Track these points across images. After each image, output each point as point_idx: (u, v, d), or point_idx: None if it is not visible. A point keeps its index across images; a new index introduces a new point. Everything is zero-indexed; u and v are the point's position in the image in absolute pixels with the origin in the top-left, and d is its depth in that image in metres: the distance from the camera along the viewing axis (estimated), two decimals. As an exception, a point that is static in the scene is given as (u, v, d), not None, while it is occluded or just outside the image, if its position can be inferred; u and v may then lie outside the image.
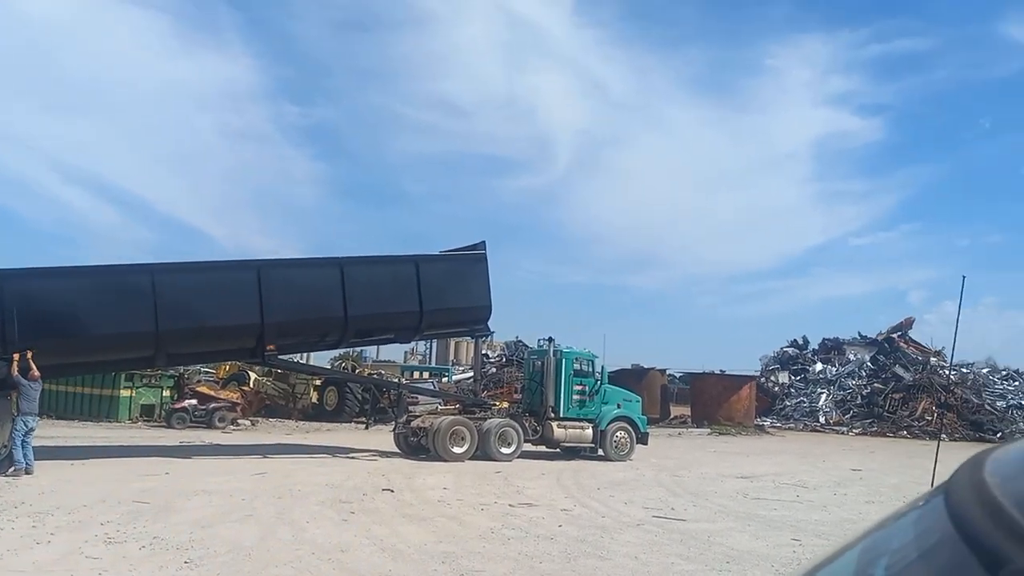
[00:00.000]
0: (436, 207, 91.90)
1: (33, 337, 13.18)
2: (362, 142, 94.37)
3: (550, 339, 18.67)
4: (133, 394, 23.40)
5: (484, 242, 18.27)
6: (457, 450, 16.49)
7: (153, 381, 23.74)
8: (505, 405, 19.72)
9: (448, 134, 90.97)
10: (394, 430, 17.70)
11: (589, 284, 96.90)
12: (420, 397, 24.02)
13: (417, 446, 17.10)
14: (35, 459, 12.66)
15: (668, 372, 39.80)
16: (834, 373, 40.35)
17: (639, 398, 19.30)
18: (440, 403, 21.42)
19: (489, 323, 18.82)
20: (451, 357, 51.68)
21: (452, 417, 17.22)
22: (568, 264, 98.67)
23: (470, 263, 18.11)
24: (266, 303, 15.37)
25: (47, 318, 13.64)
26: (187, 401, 22.98)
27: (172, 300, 14.68)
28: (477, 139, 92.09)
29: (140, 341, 14.71)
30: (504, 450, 16.90)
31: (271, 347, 15.88)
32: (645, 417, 19.07)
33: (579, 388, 18.07)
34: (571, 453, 18.33)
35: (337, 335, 17.04)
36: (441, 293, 17.33)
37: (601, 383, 18.32)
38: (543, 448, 18.18)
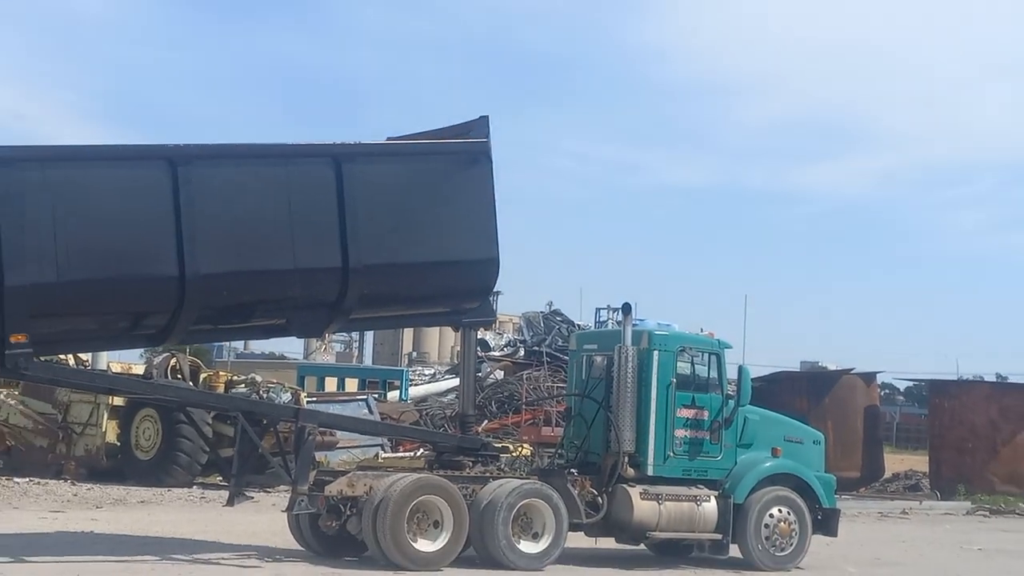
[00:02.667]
0: (371, 19, 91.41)
1: None
2: None
3: (625, 308, 19.09)
4: None
5: (485, 120, 18.55)
6: (425, 547, 16.77)
7: None
8: (528, 451, 19.73)
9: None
10: (291, 508, 17.88)
11: (706, 188, 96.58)
12: (341, 433, 24.43)
13: (338, 536, 17.34)
14: None
15: (881, 379, 39.77)
16: None
17: (820, 436, 19.76)
18: (384, 445, 21.51)
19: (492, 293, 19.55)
20: (405, 349, 51.91)
21: (414, 477, 17.31)
22: (659, 145, 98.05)
23: (454, 166, 18.56)
24: (6, 244, 15.58)
25: None
26: None
27: None
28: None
29: None
30: (526, 546, 17.18)
31: (19, 338, 16.05)
32: (831, 477, 19.53)
33: (689, 414, 18.49)
34: (671, 552, 18.98)
35: (164, 317, 17.28)
36: (391, 232, 17.83)
37: (738, 404, 18.78)
38: (610, 542, 18.59)
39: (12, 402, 27.95)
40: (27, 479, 26.49)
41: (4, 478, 26.07)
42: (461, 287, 18.70)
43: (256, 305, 18.14)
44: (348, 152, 17.89)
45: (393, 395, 37.44)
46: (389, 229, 17.80)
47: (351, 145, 18.35)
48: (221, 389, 28.32)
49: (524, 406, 33.58)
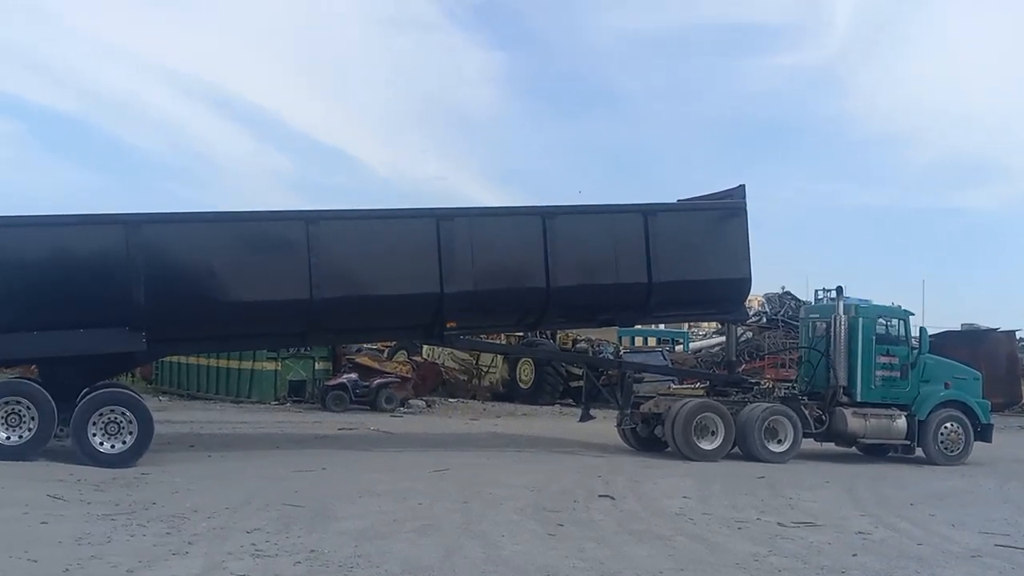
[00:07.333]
0: (657, 108, 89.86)
1: (162, 301, 14.20)
2: (552, 22, 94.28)
3: (838, 290, 18.60)
4: (279, 368, 24.82)
5: (743, 187, 18.04)
6: (705, 445, 16.69)
7: (303, 352, 24.82)
8: (770, 385, 19.33)
9: (671, 2, 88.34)
10: (619, 423, 18.13)
11: (892, 207, 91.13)
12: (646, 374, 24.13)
13: (649, 438, 17.64)
14: (164, 448, 13.72)
15: (1019, 335, 37.29)
16: None
17: (978, 375, 18.80)
18: (674, 381, 21.26)
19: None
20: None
21: (697, 401, 17.25)
22: (856, 179, 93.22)
23: (722, 217, 18.00)
24: (446, 267, 15.85)
25: (177, 279, 14.67)
26: (346, 376, 24.16)
27: (331, 261, 15.31)
28: (712, 3, 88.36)
29: (289, 313, 15.44)
30: (773, 447, 16.90)
31: (451, 324, 16.51)
32: (987, 402, 18.57)
33: (885, 360, 17.81)
34: (873, 453, 18.35)
35: (536, 314, 17.51)
36: (679, 259, 17.36)
37: (919, 353, 18.03)
38: (830, 446, 18.12)
39: (447, 354, 28.57)
40: (455, 399, 27.25)
41: (442, 399, 26.79)
42: (724, 296, 18.06)
43: (594, 307, 17.91)
44: (652, 208, 17.66)
45: (679, 348, 36.49)
46: (680, 256, 17.32)
47: (655, 204, 18.09)
48: (570, 346, 28.38)
49: (767, 355, 32.65)
